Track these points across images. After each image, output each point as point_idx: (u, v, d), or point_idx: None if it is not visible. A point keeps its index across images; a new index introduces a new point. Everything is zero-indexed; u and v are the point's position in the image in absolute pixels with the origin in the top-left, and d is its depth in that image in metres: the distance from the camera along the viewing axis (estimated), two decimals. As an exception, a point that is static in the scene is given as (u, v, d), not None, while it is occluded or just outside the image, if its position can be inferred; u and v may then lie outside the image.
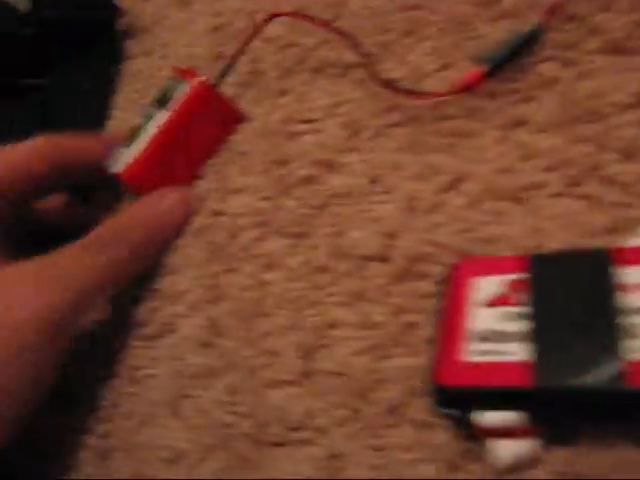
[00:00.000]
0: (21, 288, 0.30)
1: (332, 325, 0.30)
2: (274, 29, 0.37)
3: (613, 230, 0.26)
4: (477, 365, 0.23)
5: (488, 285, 0.24)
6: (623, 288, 0.22)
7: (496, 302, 0.24)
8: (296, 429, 0.29)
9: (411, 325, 0.28)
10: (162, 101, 0.36)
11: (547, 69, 0.30)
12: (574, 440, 0.23)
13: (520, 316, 0.23)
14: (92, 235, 0.33)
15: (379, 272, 0.30)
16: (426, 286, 0.28)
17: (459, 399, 0.23)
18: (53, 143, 0.36)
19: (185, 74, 0.36)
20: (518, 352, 0.23)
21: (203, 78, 0.35)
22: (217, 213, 0.35)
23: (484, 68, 0.30)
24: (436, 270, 0.28)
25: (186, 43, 0.43)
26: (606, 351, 0.21)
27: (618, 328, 0.22)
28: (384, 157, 0.32)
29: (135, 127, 0.36)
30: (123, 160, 0.35)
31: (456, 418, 0.24)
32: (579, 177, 0.27)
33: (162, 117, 0.35)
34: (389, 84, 0.32)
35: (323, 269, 0.31)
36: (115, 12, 0.46)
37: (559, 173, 0.28)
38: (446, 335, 0.24)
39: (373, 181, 0.31)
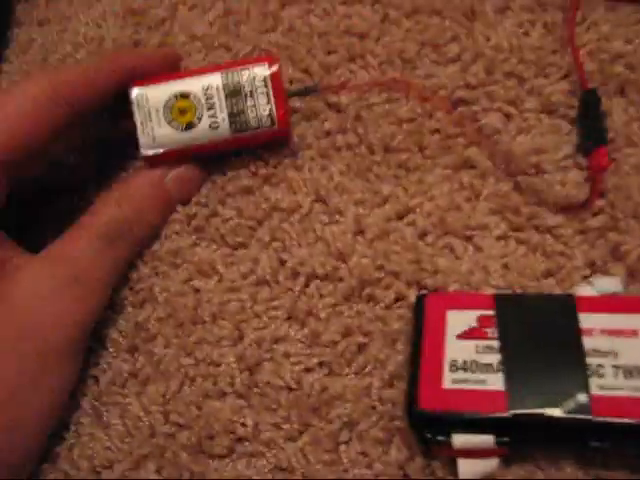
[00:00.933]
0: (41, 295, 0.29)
1: (277, 340, 0.30)
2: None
3: (549, 275, 0.29)
4: (455, 392, 0.25)
5: (461, 318, 0.27)
6: (583, 331, 0.26)
7: (469, 335, 0.26)
8: (241, 441, 0.29)
9: (361, 346, 0.30)
10: (235, 105, 0.31)
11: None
12: (530, 460, 0.26)
13: (492, 349, 0.26)
14: (105, 222, 0.30)
15: (326, 291, 0.31)
16: (375, 310, 0.30)
17: (436, 422, 0.25)
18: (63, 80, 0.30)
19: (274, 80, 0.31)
20: (491, 381, 0.25)
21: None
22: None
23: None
24: (385, 295, 0.30)
25: (91, 20, 0.40)
26: (572, 385, 0.25)
27: (579, 365, 0.25)
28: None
29: (189, 106, 0.31)
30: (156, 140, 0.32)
31: (427, 439, 0.26)
32: (521, 224, 0.31)
33: (224, 131, 0.32)
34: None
35: (265, 283, 0.31)
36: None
37: (503, 218, 0.31)
38: (424, 363, 0.26)
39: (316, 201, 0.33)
